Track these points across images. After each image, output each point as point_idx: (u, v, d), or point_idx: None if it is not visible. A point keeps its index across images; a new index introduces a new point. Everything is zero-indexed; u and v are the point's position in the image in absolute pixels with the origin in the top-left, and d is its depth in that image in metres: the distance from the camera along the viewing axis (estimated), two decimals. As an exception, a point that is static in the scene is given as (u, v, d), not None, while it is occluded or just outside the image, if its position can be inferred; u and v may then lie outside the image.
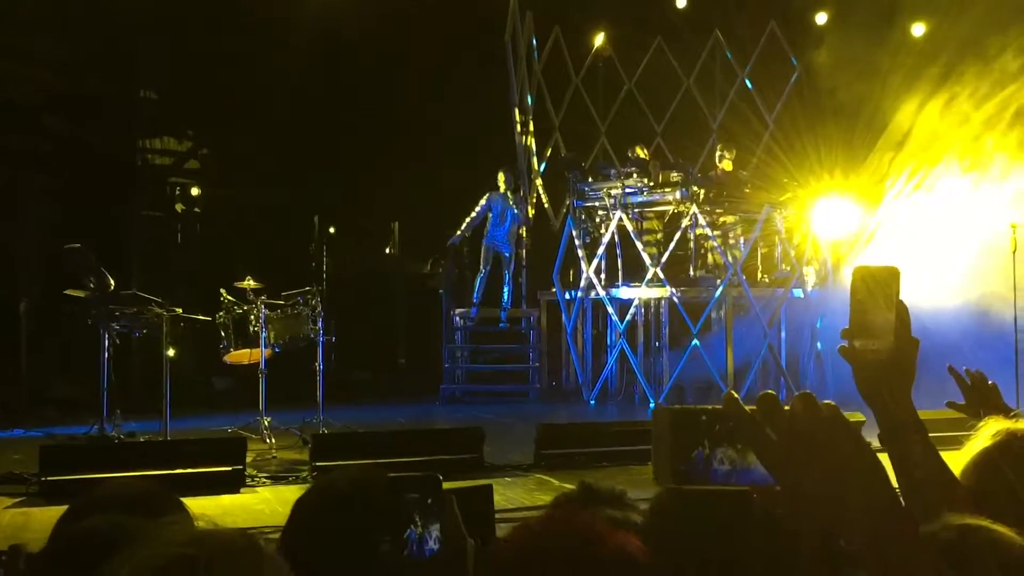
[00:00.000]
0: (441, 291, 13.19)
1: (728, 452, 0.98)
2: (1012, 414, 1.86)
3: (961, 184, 12.11)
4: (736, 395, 1.06)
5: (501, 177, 12.75)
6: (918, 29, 14.50)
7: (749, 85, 14.88)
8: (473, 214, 12.70)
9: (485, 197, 12.76)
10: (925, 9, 13.78)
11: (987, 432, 1.73)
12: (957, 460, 1.73)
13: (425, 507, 1.70)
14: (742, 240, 12.73)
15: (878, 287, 1.39)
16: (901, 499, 1.06)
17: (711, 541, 1.26)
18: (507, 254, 12.88)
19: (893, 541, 0.99)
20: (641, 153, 13.27)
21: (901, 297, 1.42)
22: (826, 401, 1.07)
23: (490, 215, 12.73)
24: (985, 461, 1.71)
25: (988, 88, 11.84)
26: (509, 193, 12.77)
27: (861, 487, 1.01)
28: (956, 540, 1.13)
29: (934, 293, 10.89)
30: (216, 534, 1.09)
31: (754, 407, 1.05)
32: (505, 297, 13.01)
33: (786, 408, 1.05)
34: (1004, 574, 1.11)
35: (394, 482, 1.74)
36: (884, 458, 1.57)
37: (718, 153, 12.97)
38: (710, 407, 1.11)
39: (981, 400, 2.28)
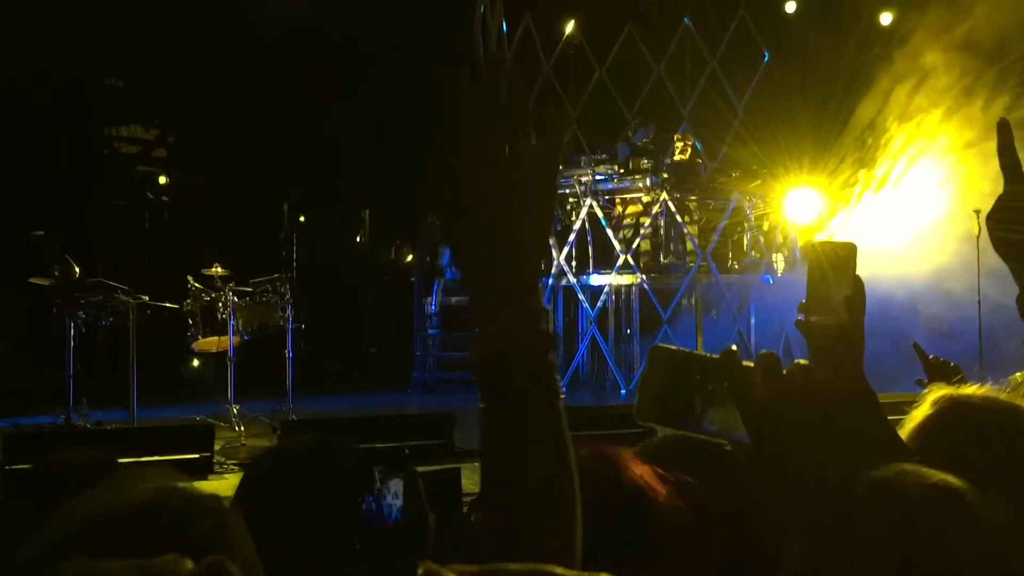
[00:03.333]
0: (413, 279, 13.16)
1: (718, 413, 0.98)
2: (956, 379, 1.90)
3: (928, 172, 12.23)
4: (736, 350, 1.05)
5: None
6: (886, 18, 14.62)
7: (719, 73, 14.92)
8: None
9: (443, 250, 12.85)
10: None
11: (929, 400, 1.77)
12: (903, 431, 1.76)
13: (388, 478, 1.69)
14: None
15: (836, 262, 1.41)
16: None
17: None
18: None
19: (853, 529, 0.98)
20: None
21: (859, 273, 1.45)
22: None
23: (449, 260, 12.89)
24: (925, 427, 1.74)
25: (956, 75, 11.94)
26: None
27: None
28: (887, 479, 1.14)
29: (902, 279, 11.01)
30: (184, 488, 1.07)
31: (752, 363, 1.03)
32: None
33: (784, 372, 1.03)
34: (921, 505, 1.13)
35: (362, 451, 1.74)
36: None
37: (676, 143, 12.97)
38: (708, 355, 1.12)
39: (942, 377, 2.33)
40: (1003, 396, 1.76)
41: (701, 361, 1.07)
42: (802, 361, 1.08)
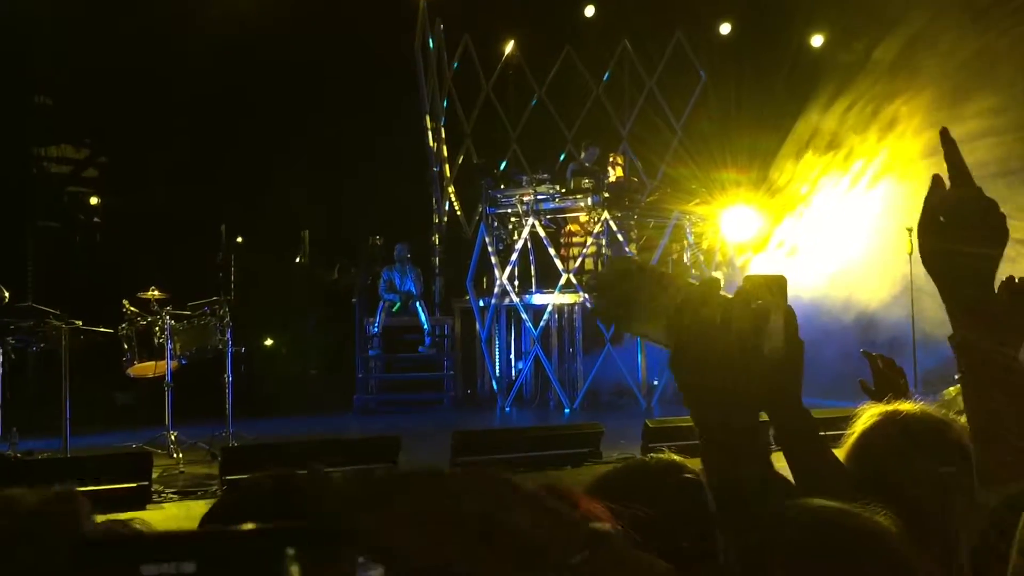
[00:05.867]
0: (354, 300, 13.02)
1: (661, 323, 1.04)
2: (886, 399, 1.97)
3: (860, 189, 12.49)
4: (718, 278, 1.17)
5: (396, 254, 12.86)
6: (817, 40, 14.95)
7: (657, 94, 15.09)
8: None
9: (383, 273, 12.78)
10: (823, 21, 14.21)
11: (865, 415, 1.84)
12: (844, 445, 1.82)
13: None
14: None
15: (767, 295, 1.48)
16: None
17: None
18: (415, 292, 12.81)
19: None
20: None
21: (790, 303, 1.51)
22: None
23: (393, 281, 12.73)
24: (860, 445, 1.80)
25: (885, 96, 12.24)
26: (405, 261, 12.78)
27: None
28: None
29: (834, 293, 11.22)
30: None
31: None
32: (424, 320, 12.86)
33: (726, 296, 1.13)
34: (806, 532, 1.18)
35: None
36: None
37: (610, 161, 13.06)
38: (667, 273, 1.17)
39: (889, 383, 2.38)
40: (932, 411, 1.82)
41: (659, 273, 1.16)
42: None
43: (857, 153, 12.49)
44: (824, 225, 12.53)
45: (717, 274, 12.74)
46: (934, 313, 9.81)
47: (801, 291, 11.02)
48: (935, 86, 11.48)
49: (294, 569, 0.45)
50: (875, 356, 2.55)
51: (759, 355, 1.12)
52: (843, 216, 12.32)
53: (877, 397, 2.40)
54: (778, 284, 1.49)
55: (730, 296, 1.12)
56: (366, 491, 0.46)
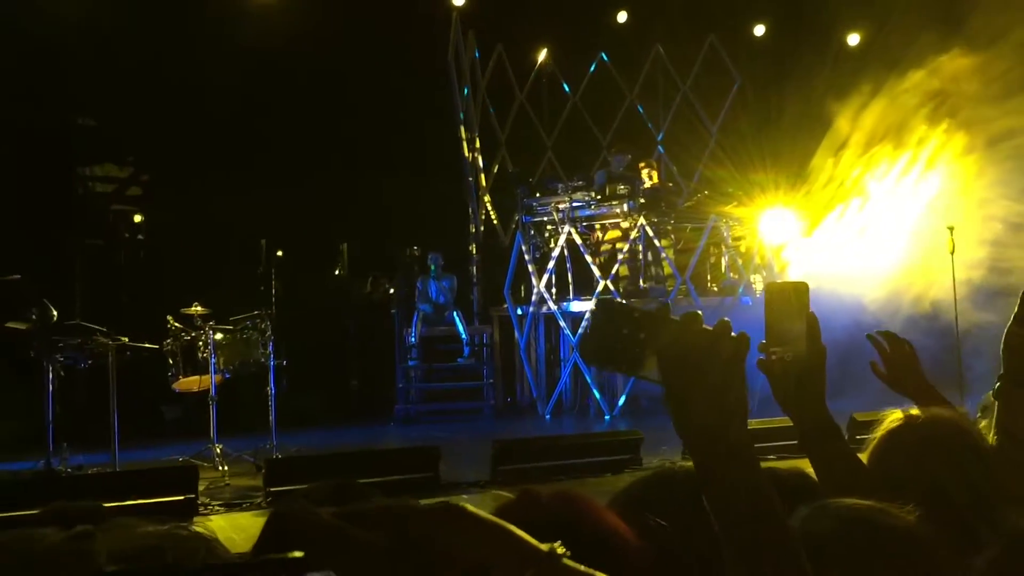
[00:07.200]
0: (393, 310, 13.12)
1: (649, 359, 1.08)
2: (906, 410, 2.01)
3: (901, 187, 12.35)
4: (668, 305, 1.20)
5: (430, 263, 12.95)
6: (853, 38, 14.83)
7: (692, 98, 15.05)
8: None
9: (418, 283, 12.87)
10: (861, 17, 14.09)
11: (884, 423, 1.89)
12: (868, 450, 1.87)
13: None
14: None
15: (790, 301, 1.51)
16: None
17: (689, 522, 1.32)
18: (451, 302, 12.92)
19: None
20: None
21: (814, 309, 1.54)
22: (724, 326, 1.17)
23: (428, 291, 12.83)
24: (880, 449, 1.84)
25: (923, 94, 12.09)
26: (440, 270, 12.87)
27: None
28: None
29: (876, 295, 11.09)
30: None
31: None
32: (461, 330, 12.96)
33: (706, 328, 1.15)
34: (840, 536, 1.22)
35: None
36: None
37: (642, 169, 13.02)
38: (643, 309, 1.20)
39: (900, 362, 2.37)
40: (948, 415, 1.87)
41: (637, 313, 1.18)
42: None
43: (901, 149, 12.34)
44: (868, 224, 12.39)
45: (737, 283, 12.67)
46: (973, 316, 9.67)
47: (844, 287, 10.89)
48: (981, 80, 11.31)
49: None
50: (878, 338, 2.49)
51: (741, 379, 1.15)
52: (887, 214, 12.17)
53: (890, 378, 2.39)
54: (800, 291, 1.53)
55: (711, 328, 1.15)
56: (346, 525, 0.50)
